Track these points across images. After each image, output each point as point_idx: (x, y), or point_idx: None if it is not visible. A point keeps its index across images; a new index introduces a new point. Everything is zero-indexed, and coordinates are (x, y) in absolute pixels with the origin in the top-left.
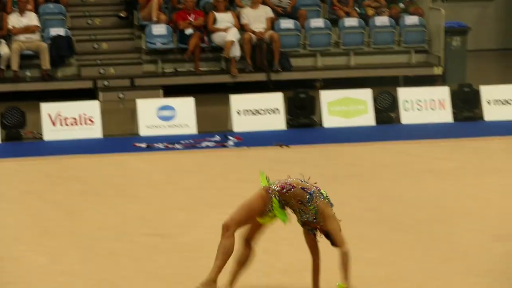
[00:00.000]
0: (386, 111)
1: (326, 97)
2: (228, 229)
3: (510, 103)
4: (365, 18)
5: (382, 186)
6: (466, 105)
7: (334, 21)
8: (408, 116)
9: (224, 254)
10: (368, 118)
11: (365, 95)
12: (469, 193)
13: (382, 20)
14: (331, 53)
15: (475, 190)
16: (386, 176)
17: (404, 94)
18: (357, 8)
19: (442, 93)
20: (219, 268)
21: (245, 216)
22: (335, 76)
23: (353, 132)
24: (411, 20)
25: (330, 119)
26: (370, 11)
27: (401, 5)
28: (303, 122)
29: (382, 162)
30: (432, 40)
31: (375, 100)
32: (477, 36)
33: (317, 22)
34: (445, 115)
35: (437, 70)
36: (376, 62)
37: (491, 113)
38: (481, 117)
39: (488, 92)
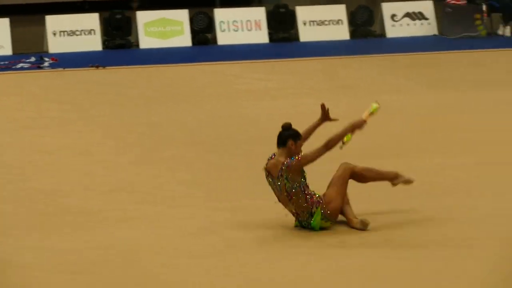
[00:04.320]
0: (203, 32)
1: (143, 17)
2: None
3: (325, 24)
4: None
5: (200, 107)
6: (282, 26)
7: None
8: (224, 37)
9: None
10: (184, 39)
11: (182, 16)
12: (286, 113)
13: None
14: None
15: (292, 110)
16: (204, 97)
17: (221, 15)
18: None
19: (258, 14)
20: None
21: None
22: None
23: (169, 53)
24: None
25: (146, 40)
26: None
27: None
28: (119, 43)
29: (199, 83)
30: None
31: (192, 21)
32: None
33: None
34: (261, 36)
35: None
36: None
37: (306, 34)
38: (296, 37)
39: (304, 13)
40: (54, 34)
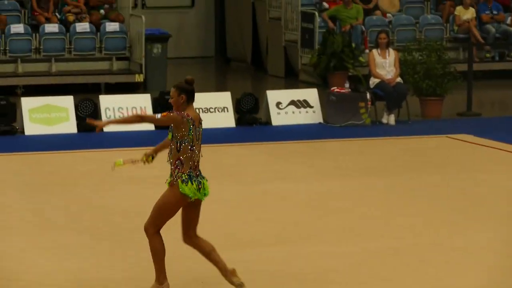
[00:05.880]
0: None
1: (27, 104)
2: (147, 231)
3: (210, 111)
4: (65, 24)
5: (83, 194)
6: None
7: (35, 27)
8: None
9: (155, 255)
10: (69, 126)
11: (67, 102)
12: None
13: (82, 27)
14: (32, 59)
15: None
16: (87, 184)
17: (106, 101)
18: (57, 14)
19: (143, 101)
20: (159, 270)
21: (158, 213)
22: (36, 83)
23: (54, 139)
24: (112, 26)
25: (31, 126)
26: (71, 17)
27: (102, 11)
28: (4, 129)
29: (83, 170)
30: (133, 47)
31: (77, 107)
32: (177, 43)
33: (18, 28)
34: (147, 123)
35: (139, 78)
36: (77, 69)
37: None
38: None
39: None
40: None
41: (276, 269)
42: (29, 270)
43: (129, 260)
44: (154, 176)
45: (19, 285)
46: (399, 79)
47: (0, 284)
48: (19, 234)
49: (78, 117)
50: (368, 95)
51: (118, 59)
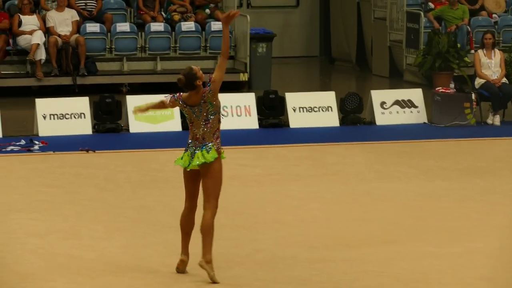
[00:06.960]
0: None
1: (132, 102)
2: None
3: (314, 111)
4: (171, 23)
5: None
6: (272, 112)
7: (140, 26)
8: None
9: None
10: (174, 124)
11: None
12: (272, 200)
13: (188, 26)
14: (137, 57)
15: (279, 197)
16: None
17: None
18: (163, 13)
19: (248, 100)
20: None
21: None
22: (142, 81)
23: (159, 137)
24: (217, 26)
25: (136, 124)
26: (176, 16)
27: (207, 11)
28: (109, 127)
29: None
30: (238, 47)
31: None
32: (282, 43)
33: (123, 26)
34: (251, 122)
35: (243, 77)
36: (182, 67)
37: (296, 120)
38: (286, 124)
39: (293, 99)
40: (44, 117)
41: (380, 269)
42: (133, 266)
43: (230, 258)
44: (257, 174)
45: (123, 281)
46: (504, 80)
47: (105, 280)
48: (122, 230)
49: (182, 115)
50: (473, 96)
51: None
